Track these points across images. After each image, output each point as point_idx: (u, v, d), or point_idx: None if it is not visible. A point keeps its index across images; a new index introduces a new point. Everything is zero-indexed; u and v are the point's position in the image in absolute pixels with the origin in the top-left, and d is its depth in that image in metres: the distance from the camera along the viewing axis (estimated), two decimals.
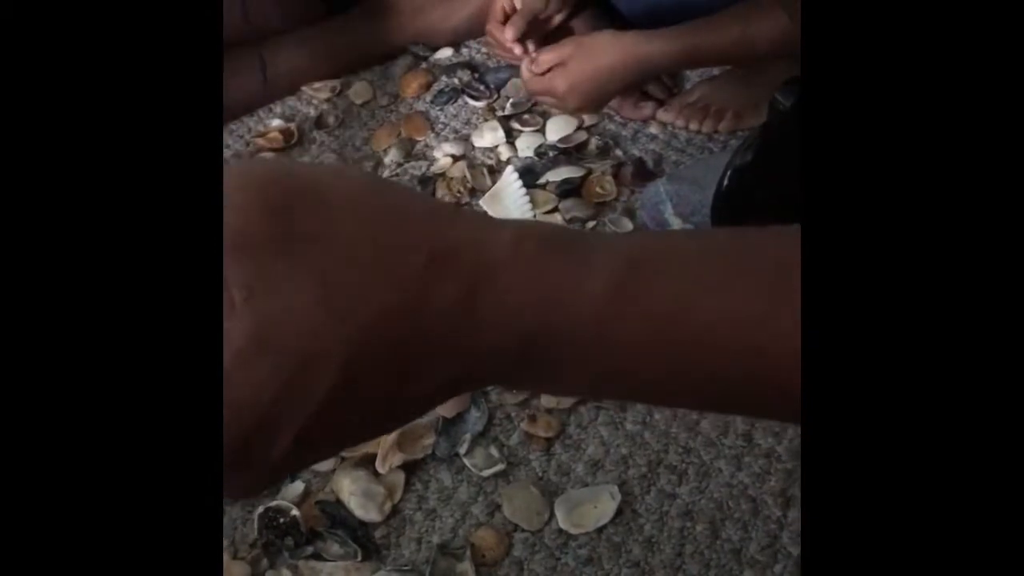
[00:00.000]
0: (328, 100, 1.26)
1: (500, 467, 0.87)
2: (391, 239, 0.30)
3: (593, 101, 1.12)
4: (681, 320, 0.33)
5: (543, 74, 1.10)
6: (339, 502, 0.86)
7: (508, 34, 1.11)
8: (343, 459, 0.89)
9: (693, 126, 1.16)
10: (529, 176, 1.11)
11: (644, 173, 1.11)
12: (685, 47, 1.05)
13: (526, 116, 1.20)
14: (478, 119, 1.21)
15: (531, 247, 0.32)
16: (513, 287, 0.31)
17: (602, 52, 1.07)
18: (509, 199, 1.08)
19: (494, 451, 0.89)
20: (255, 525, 0.84)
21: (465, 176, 1.13)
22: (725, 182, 0.78)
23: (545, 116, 1.20)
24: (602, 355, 0.32)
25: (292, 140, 1.20)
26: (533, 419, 0.90)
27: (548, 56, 1.10)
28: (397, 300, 0.29)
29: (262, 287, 0.30)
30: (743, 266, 0.36)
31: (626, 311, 0.32)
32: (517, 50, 1.12)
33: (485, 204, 1.09)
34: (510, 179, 1.09)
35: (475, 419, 0.90)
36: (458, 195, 1.11)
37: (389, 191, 0.32)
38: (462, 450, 0.89)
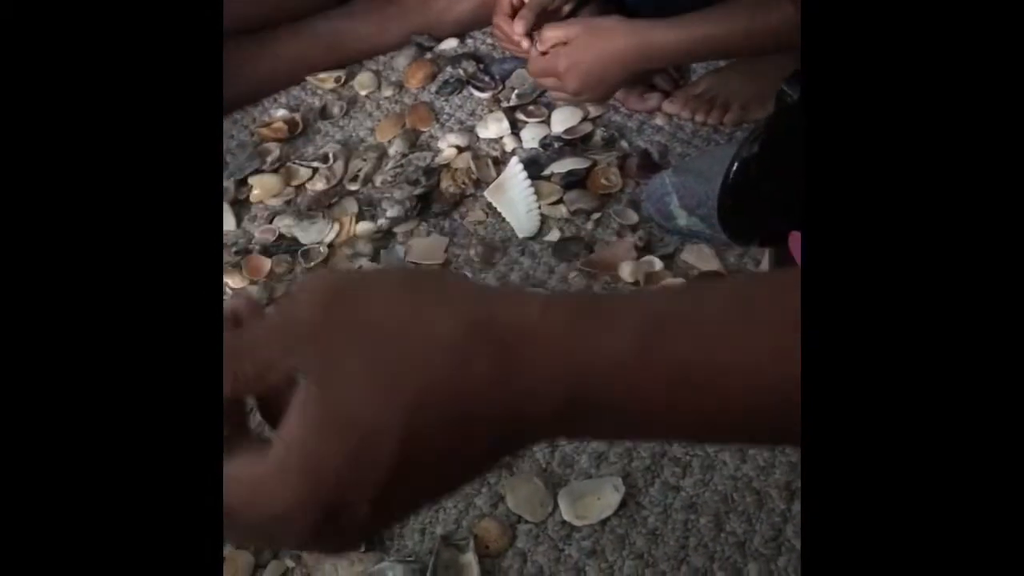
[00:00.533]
0: (333, 90, 1.26)
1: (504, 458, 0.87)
2: (432, 317, 0.34)
3: (594, 86, 1.10)
4: (702, 365, 0.36)
5: (545, 53, 1.09)
6: None
7: (518, 28, 1.10)
8: None
9: (699, 118, 1.16)
10: (534, 167, 1.10)
11: (649, 165, 1.11)
12: (693, 37, 1.04)
13: (531, 107, 1.20)
14: (483, 110, 1.21)
15: (560, 316, 0.35)
16: (546, 356, 0.34)
17: (609, 36, 1.06)
18: (513, 190, 1.08)
19: None
20: None
21: (470, 167, 1.12)
22: (731, 174, 0.78)
23: (550, 107, 1.19)
24: (636, 407, 0.35)
25: (296, 130, 1.20)
26: None
27: (553, 33, 1.08)
28: (441, 372, 0.33)
29: (326, 372, 0.34)
30: (756, 312, 0.39)
31: (653, 364, 0.35)
32: (525, 44, 1.12)
33: (489, 195, 1.09)
34: (514, 170, 1.08)
35: None
36: (463, 186, 1.11)
37: (429, 277, 0.40)
38: None
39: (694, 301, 0.39)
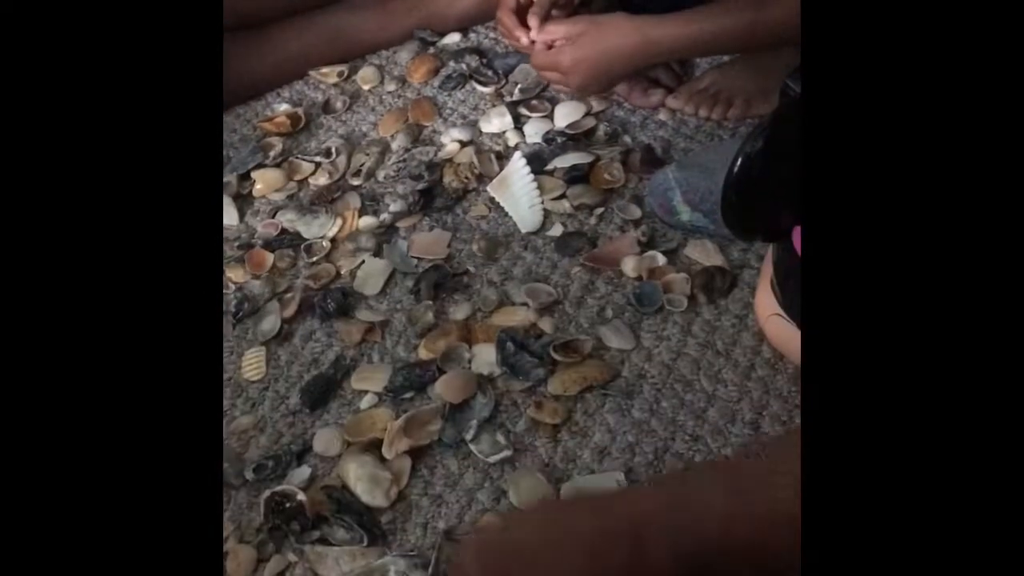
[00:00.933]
0: (335, 85, 1.25)
1: (506, 453, 0.87)
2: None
3: (598, 80, 1.11)
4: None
5: (550, 48, 1.09)
6: (345, 487, 0.86)
7: (532, 22, 1.10)
8: (349, 444, 0.89)
9: (703, 113, 1.15)
10: (537, 162, 1.10)
11: (653, 160, 1.11)
12: (695, 32, 1.04)
13: (534, 102, 1.20)
14: (486, 105, 1.21)
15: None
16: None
17: (614, 32, 1.06)
18: (516, 185, 1.07)
19: (500, 437, 0.89)
20: (261, 510, 0.84)
21: (472, 162, 1.12)
22: (736, 169, 0.77)
23: (553, 102, 1.19)
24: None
25: (299, 125, 1.20)
26: (540, 406, 0.90)
27: (558, 28, 1.09)
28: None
29: None
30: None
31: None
32: (525, 40, 1.11)
33: (492, 190, 1.09)
34: (517, 165, 1.08)
35: (482, 405, 0.90)
36: (465, 180, 1.11)
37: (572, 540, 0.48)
38: (468, 436, 0.88)
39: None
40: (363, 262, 1.04)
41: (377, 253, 1.05)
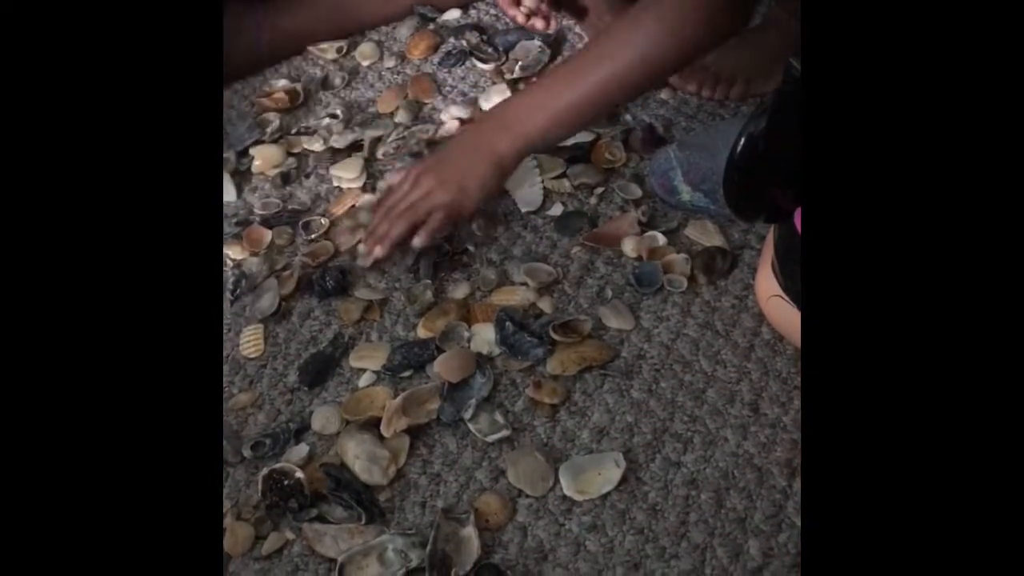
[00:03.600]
0: (334, 61, 1.24)
1: (505, 433, 0.87)
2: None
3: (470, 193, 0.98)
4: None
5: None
6: (343, 466, 0.86)
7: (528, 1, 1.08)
8: (348, 422, 0.89)
9: (704, 92, 1.15)
10: None
11: (654, 139, 1.10)
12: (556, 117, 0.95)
13: (535, 79, 1.19)
14: (486, 82, 1.20)
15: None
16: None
17: (468, 150, 0.99)
18: None
19: (499, 417, 0.88)
20: (259, 487, 0.84)
21: None
22: (739, 149, 0.77)
23: None
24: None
25: (298, 101, 1.19)
26: (538, 385, 0.90)
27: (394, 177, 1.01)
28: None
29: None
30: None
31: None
32: (520, 18, 1.09)
33: None
34: None
35: (480, 384, 0.90)
36: None
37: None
38: (467, 415, 0.88)
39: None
40: (360, 241, 1.03)
41: None
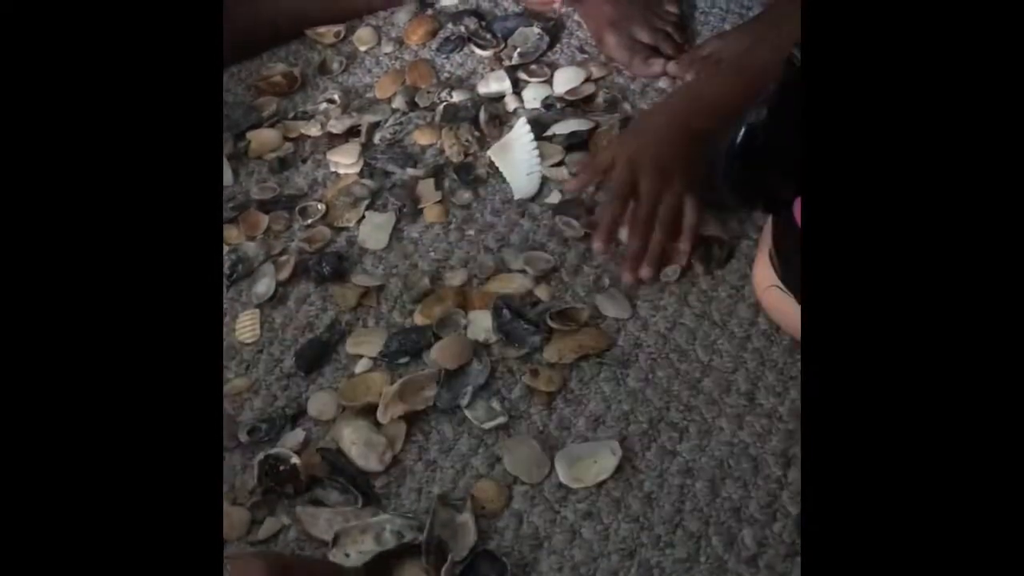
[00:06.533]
0: (332, 45, 1.24)
1: (501, 420, 0.87)
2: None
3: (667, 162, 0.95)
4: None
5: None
6: (340, 451, 0.86)
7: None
8: (344, 408, 0.89)
9: None
10: (536, 128, 1.09)
11: None
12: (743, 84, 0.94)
13: (533, 67, 1.18)
14: (484, 68, 1.20)
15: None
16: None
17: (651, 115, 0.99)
18: (519, 151, 1.06)
19: (496, 404, 0.89)
20: (255, 472, 0.84)
21: (471, 126, 1.11)
22: (739, 139, 0.77)
23: (553, 67, 1.18)
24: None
25: (295, 85, 1.18)
26: (535, 373, 0.90)
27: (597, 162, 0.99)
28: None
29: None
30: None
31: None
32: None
33: (493, 154, 1.08)
34: (522, 131, 1.07)
35: (477, 372, 0.90)
36: (466, 144, 1.10)
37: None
38: (464, 402, 0.88)
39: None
40: (364, 217, 1.03)
41: (372, 205, 1.04)
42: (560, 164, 1.08)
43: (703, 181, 0.95)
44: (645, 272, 0.94)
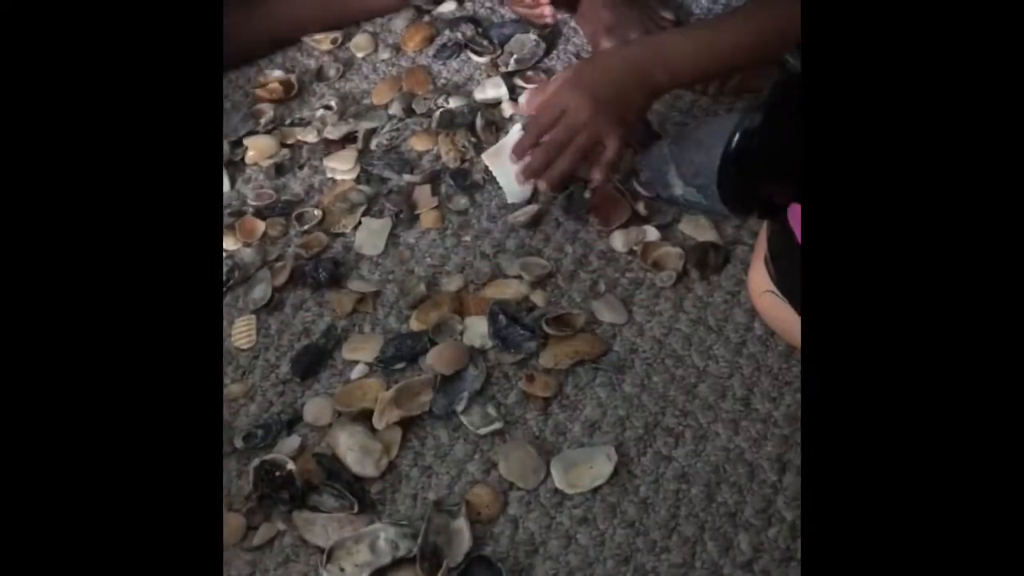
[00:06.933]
0: (329, 52, 1.24)
1: (497, 425, 0.87)
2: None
3: (613, 105, 0.95)
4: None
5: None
6: (335, 457, 0.86)
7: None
8: (340, 414, 0.89)
9: (699, 86, 1.14)
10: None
11: (648, 134, 1.10)
12: (706, 45, 0.96)
13: (529, 73, 1.19)
14: (481, 75, 1.20)
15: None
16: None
17: (610, 54, 1.01)
18: (511, 157, 1.06)
19: (491, 409, 0.89)
20: (251, 478, 0.84)
21: (467, 132, 1.11)
22: (734, 144, 0.77)
23: (549, 73, 1.18)
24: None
25: (292, 92, 1.19)
26: (531, 379, 0.90)
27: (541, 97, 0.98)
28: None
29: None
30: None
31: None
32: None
33: (487, 159, 1.08)
34: (515, 137, 1.07)
35: (473, 377, 0.90)
36: (463, 150, 1.10)
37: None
38: (459, 408, 0.88)
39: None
40: (360, 223, 1.03)
41: (368, 211, 1.05)
42: None
43: (631, 135, 0.97)
44: (541, 185, 0.96)
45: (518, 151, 0.98)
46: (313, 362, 0.93)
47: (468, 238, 1.03)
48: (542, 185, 0.97)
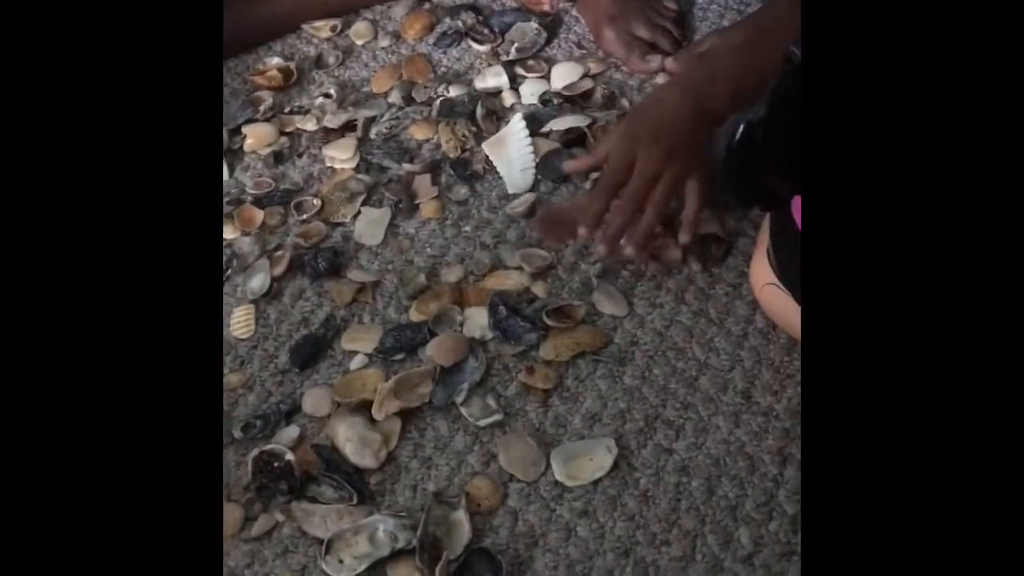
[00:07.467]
0: (328, 39, 1.23)
1: (497, 417, 0.87)
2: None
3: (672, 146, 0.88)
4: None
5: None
6: (334, 448, 0.85)
7: None
8: (339, 405, 0.89)
9: None
10: (533, 124, 1.09)
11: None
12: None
13: (531, 62, 1.18)
14: (481, 63, 1.19)
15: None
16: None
17: (657, 102, 0.92)
18: (513, 146, 1.06)
19: (491, 401, 0.88)
20: (249, 469, 0.83)
21: (467, 121, 1.11)
22: (736, 135, 0.77)
23: (550, 62, 1.17)
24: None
25: (291, 79, 1.18)
26: (531, 371, 0.90)
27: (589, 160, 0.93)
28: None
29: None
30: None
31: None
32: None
33: (488, 149, 1.08)
34: (517, 127, 1.07)
35: (473, 369, 0.90)
36: (463, 139, 1.09)
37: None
38: (459, 399, 0.88)
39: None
40: (359, 212, 1.03)
41: (368, 200, 1.04)
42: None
43: (708, 172, 0.89)
44: (628, 250, 0.88)
45: (591, 220, 0.88)
46: (312, 352, 0.93)
47: (468, 228, 1.02)
48: (629, 252, 0.88)
